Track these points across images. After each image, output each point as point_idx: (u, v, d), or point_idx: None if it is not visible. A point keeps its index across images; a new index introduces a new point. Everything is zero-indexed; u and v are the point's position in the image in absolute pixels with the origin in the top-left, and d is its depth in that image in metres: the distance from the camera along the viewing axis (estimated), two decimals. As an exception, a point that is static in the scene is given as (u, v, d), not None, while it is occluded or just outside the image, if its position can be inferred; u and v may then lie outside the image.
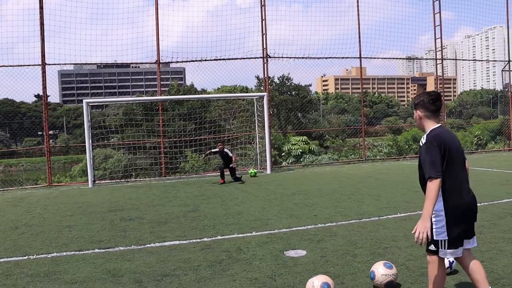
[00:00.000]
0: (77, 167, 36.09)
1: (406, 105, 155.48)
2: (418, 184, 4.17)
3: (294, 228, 8.11)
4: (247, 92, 64.74)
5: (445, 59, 24.27)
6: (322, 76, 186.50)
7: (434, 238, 4.03)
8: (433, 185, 3.83)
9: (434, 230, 4.02)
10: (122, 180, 19.27)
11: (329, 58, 20.58)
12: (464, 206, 4.03)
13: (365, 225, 8.16)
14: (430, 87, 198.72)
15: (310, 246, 6.82)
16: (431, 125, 4.16)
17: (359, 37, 21.13)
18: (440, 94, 4.35)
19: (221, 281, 5.46)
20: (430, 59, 29.29)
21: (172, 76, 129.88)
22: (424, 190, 3.98)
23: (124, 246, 7.36)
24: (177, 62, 19.54)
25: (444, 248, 4.04)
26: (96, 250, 7.18)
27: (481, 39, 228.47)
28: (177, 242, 7.51)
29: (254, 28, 20.34)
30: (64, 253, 7.10)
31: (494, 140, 33.21)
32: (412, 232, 3.94)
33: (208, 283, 5.41)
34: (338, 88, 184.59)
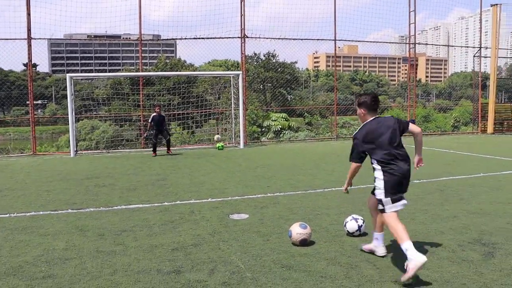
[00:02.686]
0: (64, 137, 36.88)
1: (396, 85, 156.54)
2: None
3: (246, 196, 9.24)
4: (237, 67, 65.71)
5: (417, 43, 25.31)
6: (313, 53, 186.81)
7: (377, 197, 5.30)
8: (351, 166, 5.54)
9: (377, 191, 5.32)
10: (102, 151, 20.30)
11: (303, 39, 21.61)
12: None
13: (309, 195, 9.30)
14: (421, 67, 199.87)
15: (253, 211, 7.92)
16: (368, 119, 5.45)
17: (335, 20, 22.11)
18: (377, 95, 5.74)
19: (169, 235, 6.56)
20: (403, 43, 30.17)
21: (163, 48, 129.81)
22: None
23: (94, 208, 8.45)
24: (158, 40, 20.44)
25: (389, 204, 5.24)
26: (69, 211, 8.26)
27: (474, 21, 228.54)
28: (141, 205, 8.61)
29: (238, 8, 21.28)
30: (41, 212, 8.17)
31: (473, 123, 34.48)
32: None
33: (157, 236, 6.52)
34: (329, 66, 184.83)
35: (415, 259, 4.69)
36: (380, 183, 5.23)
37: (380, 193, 5.24)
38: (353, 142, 5.47)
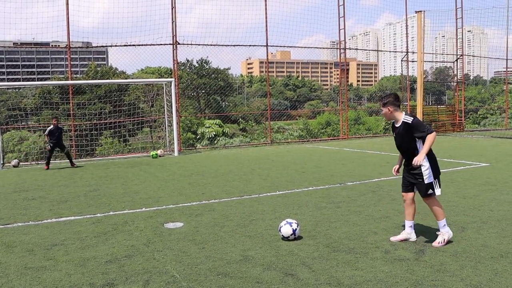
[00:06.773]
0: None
1: (328, 89, 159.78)
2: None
3: (180, 205, 9.17)
4: (170, 74, 65.09)
5: (347, 49, 25.99)
6: (247, 59, 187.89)
7: (427, 182, 5.95)
8: (433, 136, 5.82)
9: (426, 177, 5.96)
10: (32, 163, 19.59)
11: (236, 46, 21.75)
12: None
13: (244, 201, 9.33)
14: (353, 72, 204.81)
15: (188, 219, 7.87)
16: (400, 113, 6.08)
17: (266, 26, 22.38)
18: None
19: (103, 247, 6.41)
20: (334, 48, 30.91)
21: (94, 56, 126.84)
22: (403, 154, 6.22)
23: (22, 222, 8.13)
24: (88, 47, 19.98)
25: (437, 187, 6.01)
26: (-5, 226, 7.92)
27: (401, 27, 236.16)
28: (72, 218, 8.37)
29: (170, 14, 21.17)
30: (-36, 229, 7.79)
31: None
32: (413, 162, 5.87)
33: (90, 249, 6.35)
34: (262, 71, 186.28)
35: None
36: (426, 170, 5.93)
37: (428, 178, 5.94)
38: (416, 120, 5.98)
